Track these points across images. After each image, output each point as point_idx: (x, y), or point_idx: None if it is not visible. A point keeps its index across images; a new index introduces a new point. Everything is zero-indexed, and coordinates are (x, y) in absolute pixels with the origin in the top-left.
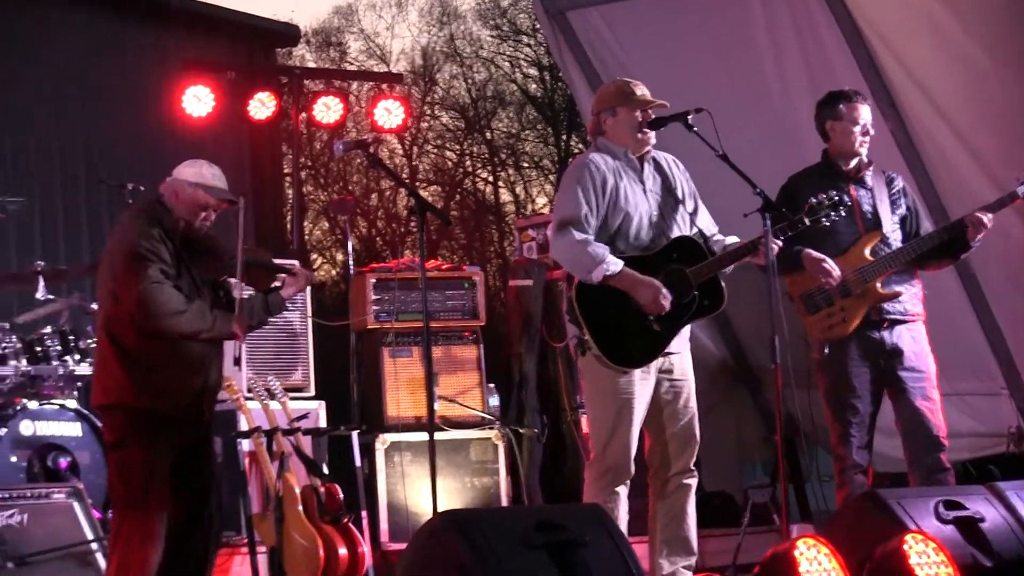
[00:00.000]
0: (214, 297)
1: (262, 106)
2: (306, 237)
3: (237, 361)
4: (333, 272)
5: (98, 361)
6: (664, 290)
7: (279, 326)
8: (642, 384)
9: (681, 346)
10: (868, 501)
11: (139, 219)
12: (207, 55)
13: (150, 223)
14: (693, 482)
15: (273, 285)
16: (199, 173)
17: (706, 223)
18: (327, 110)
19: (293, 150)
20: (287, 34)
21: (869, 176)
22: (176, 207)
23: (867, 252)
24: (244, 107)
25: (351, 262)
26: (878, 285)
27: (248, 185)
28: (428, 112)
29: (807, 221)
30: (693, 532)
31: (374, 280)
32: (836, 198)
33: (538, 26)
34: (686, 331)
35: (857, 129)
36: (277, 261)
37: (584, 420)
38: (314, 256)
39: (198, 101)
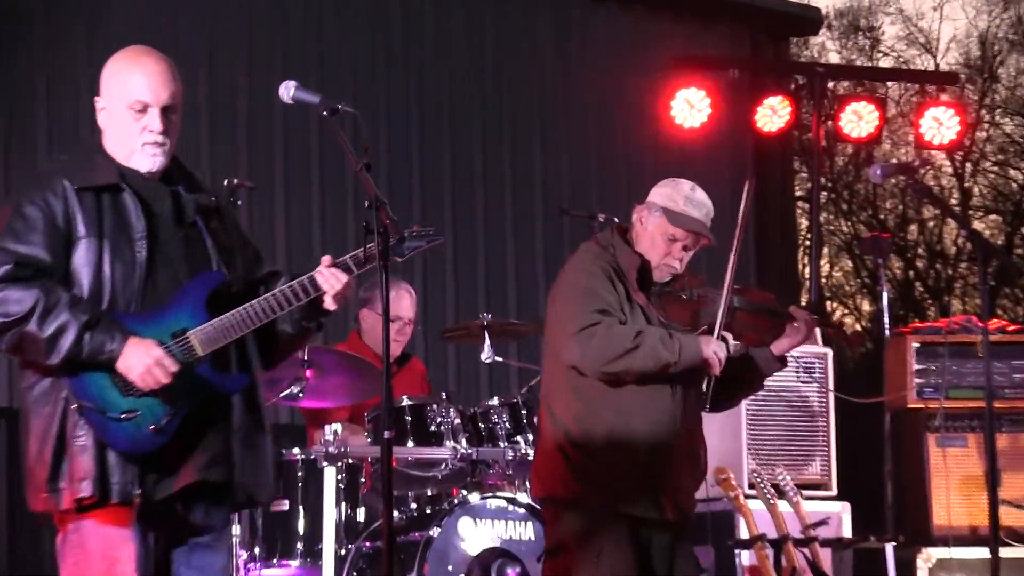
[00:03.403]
0: None
1: (773, 114)
2: (822, 280)
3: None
4: (857, 327)
5: (538, 441)
6: None
7: (790, 402)
8: None
9: None
10: None
11: (586, 253)
12: (702, 49)
13: (598, 257)
14: None
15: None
16: (670, 196)
17: None
18: (858, 120)
19: (811, 170)
20: (805, 19)
21: None
22: (640, 237)
23: None
24: (750, 115)
25: (886, 319)
26: None
27: (751, 211)
28: (987, 118)
29: None
30: None
31: (917, 344)
32: None
33: None
34: None
35: None
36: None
37: None
38: (832, 304)
39: (690, 108)
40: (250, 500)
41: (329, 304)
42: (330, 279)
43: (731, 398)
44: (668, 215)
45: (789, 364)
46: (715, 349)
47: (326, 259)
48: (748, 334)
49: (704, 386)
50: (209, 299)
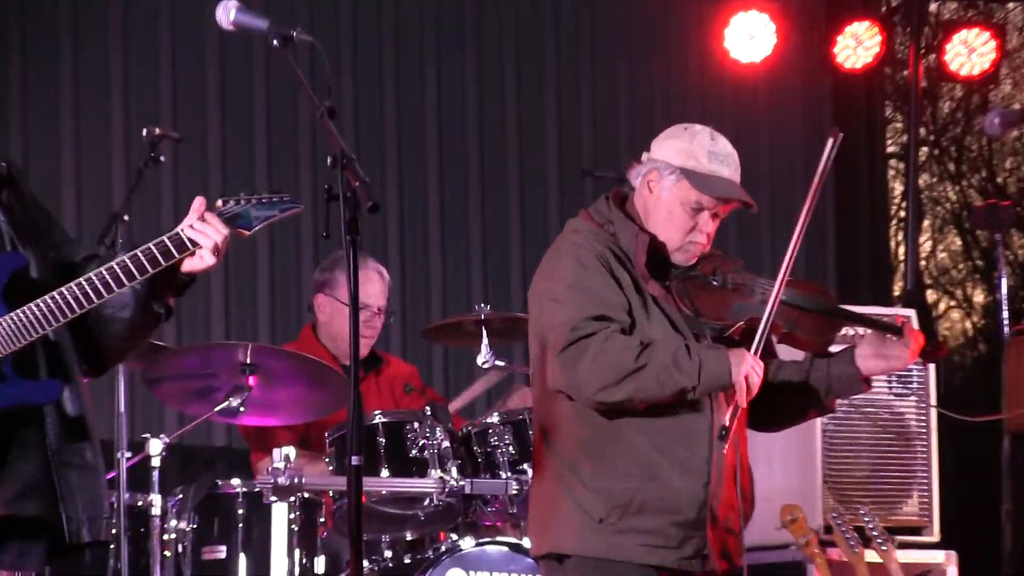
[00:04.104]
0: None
1: (858, 46)
2: (922, 262)
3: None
4: (967, 326)
5: (535, 482)
6: None
7: (880, 421)
8: None
9: None
10: None
11: (576, 233)
12: None
13: (592, 238)
14: None
15: (843, 347)
16: (688, 150)
17: None
18: (968, 54)
19: (908, 119)
20: None
21: None
22: (651, 209)
23: None
24: (827, 48)
25: (1005, 314)
26: None
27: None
28: None
29: None
30: None
31: None
32: None
33: None
34: None
35: None
36: (869, 313)
37: None
38: (935, 295)
39: (750, 38)
40: (81, 539)
41: (205, 260)
42: (206, 230)
43: (789, 418)
44: (691, 178)
45: None
46: (747, 371)
47: (200, 202)
48: (800, 336)
49: (727, 417)
50: (7, 288)
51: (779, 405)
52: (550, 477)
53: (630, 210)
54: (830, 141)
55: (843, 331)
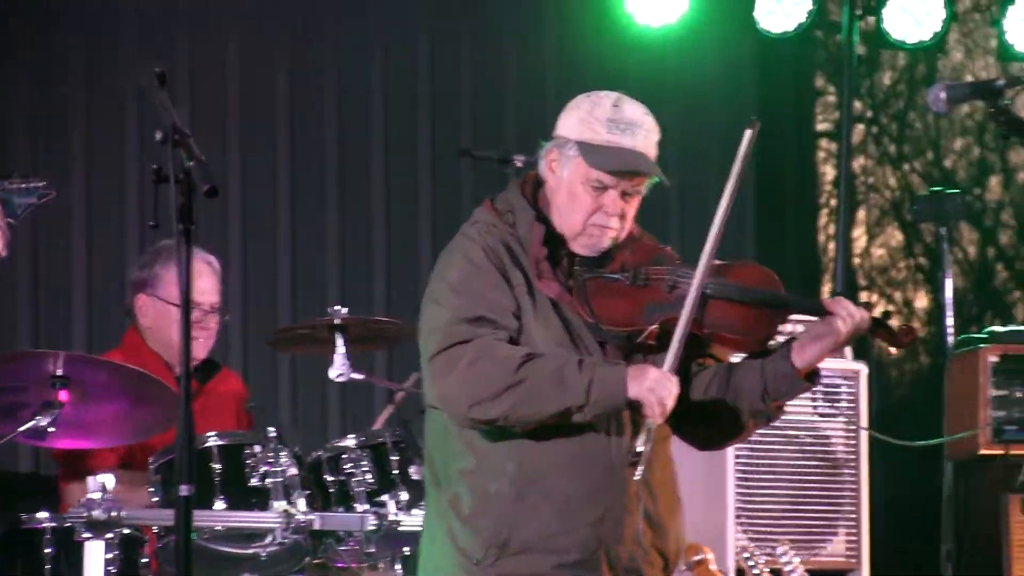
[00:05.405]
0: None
1: (780, 7)
2: (855, 259)
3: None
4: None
5: (424, 518)
6: None
7: (802, 445)
8: None
9: None
10: None
11: (472, 225)
12: None
13: (487, 232)
14: None
15: (777, 340)
16: (586, 121)
17: None
18: (908, 17)
19: (841, 92)
20: None
21: None
22: (555, 192)
23: None
24: (748, 7)
25: (950, 320)
26: None
27: (750, 163)
28: None
29: None
30: None
31: (995, 359)
32: None
33: None
34: None
35: None
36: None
37: None
38: (870, 295)
39: None
40: None
41: None
42: None
43: (729, 433)
44: (585, 152)
45: None
46: (652, 384)
47: None
48: (728, 336)
49: (642, 439)
50: None
51: (714, 419)
52: (434, 512)
53: (540, 198)
54: (747, 133)
55: (785, 327)
